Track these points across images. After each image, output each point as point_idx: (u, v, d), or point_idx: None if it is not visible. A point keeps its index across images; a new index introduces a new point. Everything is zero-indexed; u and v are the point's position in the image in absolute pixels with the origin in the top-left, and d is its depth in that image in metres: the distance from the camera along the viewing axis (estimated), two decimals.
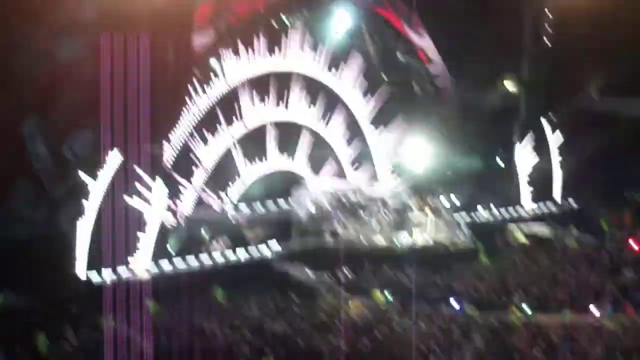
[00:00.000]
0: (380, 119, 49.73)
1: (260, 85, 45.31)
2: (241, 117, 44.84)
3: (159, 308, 34.39)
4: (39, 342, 30.88)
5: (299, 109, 46.83)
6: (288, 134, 46.71)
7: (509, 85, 50.83)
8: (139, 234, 37.93)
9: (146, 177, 38.14)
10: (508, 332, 33.40)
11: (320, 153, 47.88)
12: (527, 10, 50.28)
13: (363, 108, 49.19)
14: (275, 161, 46.25)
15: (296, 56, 46.36)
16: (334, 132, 48.27)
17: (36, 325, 31.64)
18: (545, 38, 50.55)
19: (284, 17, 45.64)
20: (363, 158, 49.43)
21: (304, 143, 47.18)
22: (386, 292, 37.74)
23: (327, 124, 47.95)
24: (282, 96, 46.12)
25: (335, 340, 31.99)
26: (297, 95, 46.64)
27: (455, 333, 33.15)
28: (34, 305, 33.73)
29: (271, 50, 45.36)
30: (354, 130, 49.03)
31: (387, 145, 49.85)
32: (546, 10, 50.65)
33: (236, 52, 44.04)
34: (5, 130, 37.19)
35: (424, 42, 49.13)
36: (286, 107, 46.32)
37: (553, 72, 49.14)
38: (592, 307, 35.84)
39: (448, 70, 49.04)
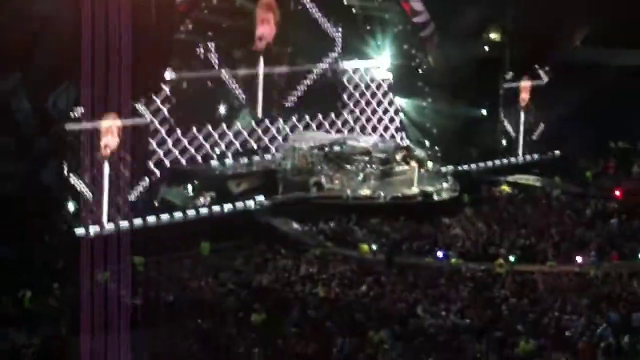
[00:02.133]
0: (365, 73, 49.71)
1: (243, 37, 45.11)
2: (227, 68, 44.70)
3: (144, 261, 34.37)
4: (25, 296, 30.87)
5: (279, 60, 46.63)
6: (272, 86, 46.59)
7: (495, 36, 50.59)
8: (124, 188, 37.78)
9: (130, 132, 37.91)
10: (494, 283, 33.55)
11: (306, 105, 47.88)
12: None
13: (346, 61, 49.04)
14: (261, 115, 46.19)
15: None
16: (319, 85, 48.11)
17: (22, 279, 31.65)
18: None
19: None
20: (349, 111, 49.47)
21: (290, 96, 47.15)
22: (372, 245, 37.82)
23: (312, 76, 47.83)
24: (264, 48, 45.93)
25: (322, 292, 32.08)
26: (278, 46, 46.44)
27: (441, 284, 33.27)
28: (20, 259, 33.69)
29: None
30: (339, 84, 48.99)
31: (372, 98, 49.84)
32: None
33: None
34: None
35: None
36: (268, 58, 46.17)
37: (538, 22, 48.73)
38: (577, 256, 36.02)
39: (433, 21, 48.65)
